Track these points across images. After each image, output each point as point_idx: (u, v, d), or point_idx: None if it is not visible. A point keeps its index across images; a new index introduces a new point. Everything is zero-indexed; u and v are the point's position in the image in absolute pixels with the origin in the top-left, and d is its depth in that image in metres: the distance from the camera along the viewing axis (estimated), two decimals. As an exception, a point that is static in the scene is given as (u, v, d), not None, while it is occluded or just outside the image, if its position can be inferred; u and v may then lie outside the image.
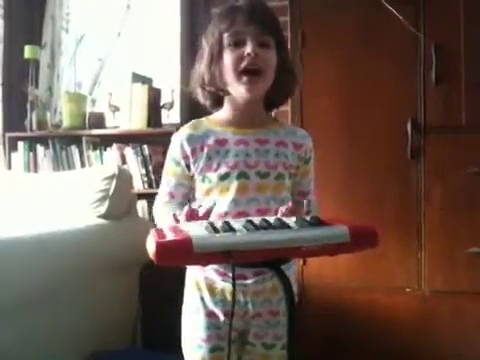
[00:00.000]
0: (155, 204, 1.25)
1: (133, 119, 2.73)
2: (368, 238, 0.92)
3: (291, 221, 0.91)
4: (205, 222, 0.91)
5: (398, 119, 1.95)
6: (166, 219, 1.11)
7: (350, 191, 2.01)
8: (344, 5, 2.02)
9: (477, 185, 1.88)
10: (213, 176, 1.14)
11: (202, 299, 1.18)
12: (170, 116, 2.79)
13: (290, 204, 1.01)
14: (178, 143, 1.18)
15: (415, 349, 1.93)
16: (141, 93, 2.71)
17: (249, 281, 1.14)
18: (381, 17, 1.94)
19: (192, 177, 1.18)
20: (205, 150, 1.15)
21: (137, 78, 2.78)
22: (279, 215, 0.99)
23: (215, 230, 0.85)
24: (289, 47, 2.04)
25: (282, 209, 1.00)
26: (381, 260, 1.97)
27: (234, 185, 1.13)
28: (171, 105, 2.77)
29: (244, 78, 1.11)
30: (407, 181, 1.96)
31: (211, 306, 1.17)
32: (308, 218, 0.93)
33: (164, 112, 2.79)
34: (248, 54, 1.09)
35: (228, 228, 0.86)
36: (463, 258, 1.89)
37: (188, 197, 1.21)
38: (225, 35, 1.12)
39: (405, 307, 1.96)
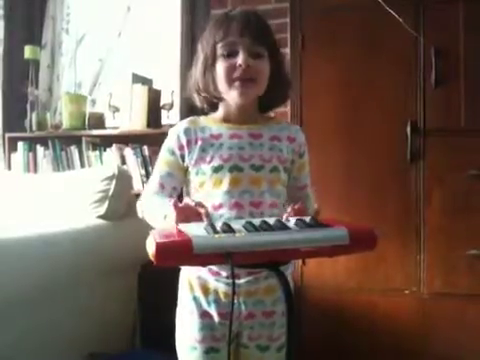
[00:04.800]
0: (142, 196, 1.22)
1: (133, 120, 2.73)
2: (367, 240, 0.92)
3: (290, 222, 0.92)
4: (205, 223, 0.91)
5: (398, 121, 1.96)
6: (158, 207, 1.10)
7: (349, 193, 2.02)
8: (344, 7, 2.02)
9: (476, 188, 1.89)
10: (207, 168, 1.16)
11: (195, 299, 1.18)
12: (170, 117, 2.79)
13: (299, 204, 1.02)
14: (175, 134, 1.21)
15: (414, 351, 1.93)
16: (141, 94, 2.71)
17: (241, 281, 1.14)
18: (381, 20, 1.94)
19: (186, 170, 1.20)
20: (199, 143, 1.18)
21: (137, 79, 2.78)
22: (285, 216, 1.00)
23: (215, 231, 0.85)
24: (289, 49, 2.06)
25: (289, 209, 1.01)
26: (380, 262, 1.97)
27: (227, 177, 1.14)
28: (171, 106, 2.77)
29: (237, 83, 1.14)
30: (406, 183, 1.96)
31: (205, 306, 1.17)
32: (307, 219, 0.93)
33: (164, 113, 2.79)
34: (240, 65, 1.12)
35: (228, 229, 0.86)
36: (462, 260, 1.90)
37: (176, 192, 1.21)
38: (219, 45, 1.15)
39: (404, 309, 1.96)
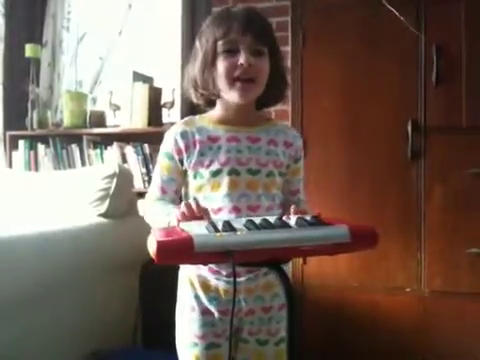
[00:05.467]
0: (145, 201, 1.24)
1: (134, 118, 2.73)
2: (368, 238, 0.92)
3: (291, 221, 0.92)
4: (206, 222, 0.91)
5: (398, 120, 1.95)
6: (161, 214, 1.12)
7: (350, 191, 2.02)
8: (345, 5, 2.02)
9: (477, 186, 1.88)
10: (205, 172, 1.16)
11: (196, 297, 1.19)
12: (171, 115, 2.79)
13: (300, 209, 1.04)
14: (172, 138, 1.20)
15: (415, 349, 1.93)
16: (142, 92, 2.71)
17: (241, 279, 1.15)
18: (382, 18, 1.94)
19: (185, 173, 1.20)
20: (197, 146, 1.17)
21: (138, 77, 2.78)
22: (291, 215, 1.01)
23: (216, 229, 0.85)
24: (290, 47, 2.06)
25: (292, 210, 1.02)
26: (381, 260, 1.97)
27: (225, 181, 1.14)
28: (172, 104, 2.77)
29: (237, 84, 1.13)
30: (407, 182, 1.96)
31: (206, 303, 1.18)
32: (308, 218, 0.93)
33: (165, 111, 2.79)
34: (241, 64, 1.11)
35: (229, 228, 0.86)
36: (463, 258, 1.90)
37: (178, 195, 1.23)
38: (219, 43, 1.14)
39: (405, 307, 1.96)
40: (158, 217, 1.13)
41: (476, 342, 1.89)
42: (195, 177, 1.18)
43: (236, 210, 1.13)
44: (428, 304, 1.93)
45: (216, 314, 1.17)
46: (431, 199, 1.93)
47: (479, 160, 1.88)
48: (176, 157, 1.19)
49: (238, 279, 1.14)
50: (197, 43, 1.21)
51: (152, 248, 0.82)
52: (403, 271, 1.96)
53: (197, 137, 1.18)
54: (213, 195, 1.15)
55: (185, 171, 1.20)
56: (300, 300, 2.00)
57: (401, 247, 1.96)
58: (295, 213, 0.99)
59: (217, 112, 1.23)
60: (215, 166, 1.15)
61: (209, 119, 1.22)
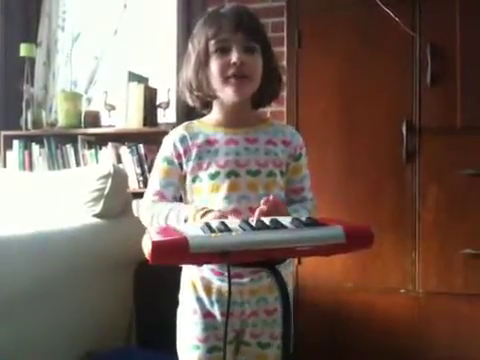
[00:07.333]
0: (142, 204, 1.21)
1: (129, 118, 2.73)
2: (363, 238, 0.92)
3: (286, 221, 0.92)
4: (201, 222, 0.91)
5: (393, 120, 1.96)
6: (174, 211, 1.10)
7: (345, 192, 2.02)
8: (340, 6, 2.02)
9: (472, 186, 1.89)
10: (204, 175, 1.16)
11: (199, 299, 1.18)
12: (166, 115, 2.79)
13: (271, 198, 1.02)
14: (171, 143, 1.20)
15: (409, 349, 1.94)
16: (137, 92, 2.71)
17: (245, 280, 1.15)
18: (377, 18, 1.94)
19: (184, 177, 1.19)
20: (196, 150, 1.17)
21: (133, 77, 2.78)
22: (257, 213, 0.99)
23: (211, 230, 0.85)
24: (285, 48, 2.06)
25: (262, 201, 1.01)
26: (376, 261, 1.97)
27: (225, 183, 1.14)
28: (167, 104, 2.77)
29: (231, 80, 1.13)
30: (402, 182, 1.96)
31: (208, 306, 1.17)
32: (304, 218, 0.93)
33: (160, 111, 2.79)
34: (234, 63, 1.12)
35: (224, 228, 0.86)
36: (457, 259, 1.90)
37: (176, 200, 1.21)
38: (211, 42, 1.14)
39: (399, 308, 1.96)
40: (169, 214, 1.10)
41: (470, 342, 1.89)
42: (194, 181, 1.17)
43: (236, 213, 1.10)
44: (422, 305, 1.94)
45: (218, 317, 1.16)
46: (426, 200, 1.94)
47: (474, 160, 1.89)
48: (176, 161, 1.18)
49: (242, 280, 1.14)
50: (189, 46, 1.21)
51: (147, 248, 0.81)
52: (397, 272, 1.96)
53: (195, 141, 1.18)
54: (213, 198, 1.14)
55: (184, 175, 1.19)
56: (295, 301, 2.00)
57: (396, 247, 1.96)
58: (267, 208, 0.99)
59: (214, 115, 1.23)
60: (213, 168, 1.15)
61: (207, 122, 1.23)
